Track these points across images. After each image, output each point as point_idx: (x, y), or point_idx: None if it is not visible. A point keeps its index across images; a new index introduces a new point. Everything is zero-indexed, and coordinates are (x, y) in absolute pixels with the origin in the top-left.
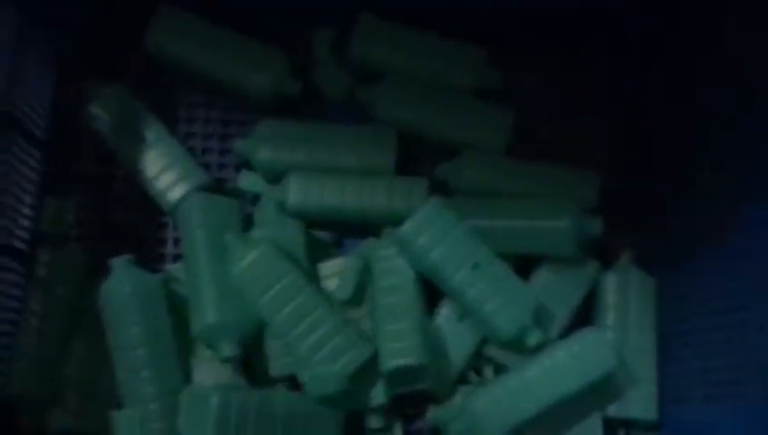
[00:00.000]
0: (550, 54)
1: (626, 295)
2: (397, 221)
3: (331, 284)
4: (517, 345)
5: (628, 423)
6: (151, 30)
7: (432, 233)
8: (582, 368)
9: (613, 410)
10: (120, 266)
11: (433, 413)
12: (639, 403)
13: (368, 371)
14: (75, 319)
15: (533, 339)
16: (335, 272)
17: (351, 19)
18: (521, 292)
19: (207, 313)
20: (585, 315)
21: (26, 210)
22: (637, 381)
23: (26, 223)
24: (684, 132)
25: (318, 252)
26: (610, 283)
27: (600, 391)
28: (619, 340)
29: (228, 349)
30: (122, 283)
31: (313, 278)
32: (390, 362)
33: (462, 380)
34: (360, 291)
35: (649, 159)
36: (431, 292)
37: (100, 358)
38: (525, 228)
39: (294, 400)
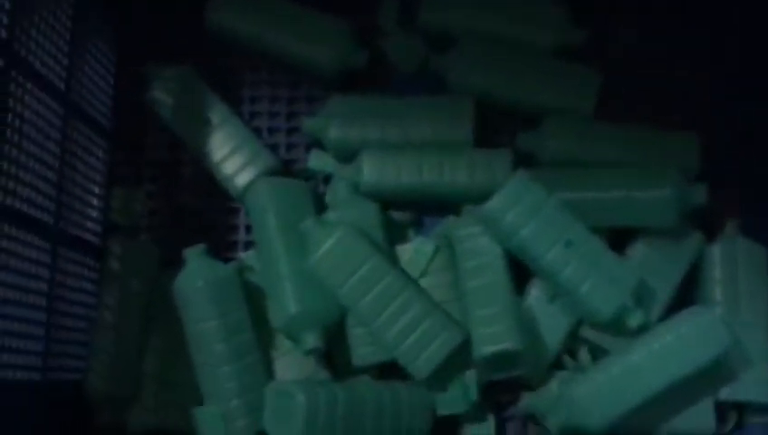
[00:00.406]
0: (641, 7)
1: (734, 268)
2: (478, 197)
3: (409, 267)
4: (617, 327)
5: (741, 406)
6: (210, 6)
7: (521, 209)
8: (694, 351)
9: (725, 394)
10: (193, 258)
11: (527, 400)
12: (754, 385)
13: (459, 357)
14: (151, 312)
15: (635, 320)
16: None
17: None
18: (619, 269)
19: (288, 303)
20: (687, 292)
21: (95, 202)
22: (750, 361)
23: (96, 215)
24: None
25: (394, 234)
26: (716, 255)
27: (712, 373)
28: (728, 317)
29: (312, 340)
30: (195, 276)
31: (395, 261)
32: (486, 349)
33: (556, 364)
34: (437, 273)
35: (757, 120)
36: (517, 271)
37: (179, 352)
38: (622, 200)
39: (382, 391)
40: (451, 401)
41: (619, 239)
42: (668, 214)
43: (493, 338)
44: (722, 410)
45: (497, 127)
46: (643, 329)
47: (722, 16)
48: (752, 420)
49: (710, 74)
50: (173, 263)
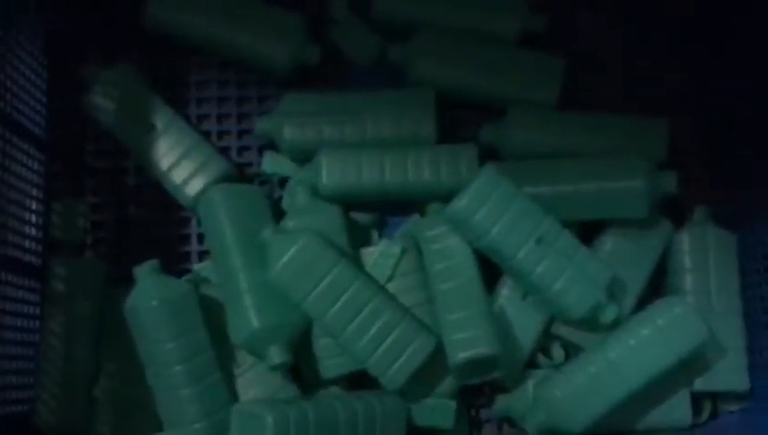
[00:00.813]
0: None
1: (704, 256)
2: (444, 195)
3: (374, 271)
4: (591, 323)
5: (715, 395)
6: (149, 1)
7: (490, 207)
8: (670, 344)
9: (700, 384)
10: (145, 276)
11: (503, 402)
12: (728, 374)
13: (432, 364)
14: (101, 335)
15: (609, 315)
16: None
17: None
18: (592, 265)
19: (250, 317)
20: (657, 280)
21: (33, 218)
22: (724, 350)
23: (35, 233)
24: None
25: (358, 237)
26: (685, 243)
27: (686, 364)
28: (700, 306)
29: (278, 355)
30: (149, 295)
31: (360, 267)
32: (461, 355)
33: (530, 363)
34: (404, 276)
35: (724, 104)
36: (485, 269)
37: (134, 376)
38: (592, 192)
39: (354, 404)
40: (430, 416)
41: (587, 231)
42: (640, 205)
43: (467, 343)
44: (697, 400)
45: (458, 120)
46: (616, 323)
47: (688, 2)
48: (726, 409)
49: (679, 61)
50: (122, 279)
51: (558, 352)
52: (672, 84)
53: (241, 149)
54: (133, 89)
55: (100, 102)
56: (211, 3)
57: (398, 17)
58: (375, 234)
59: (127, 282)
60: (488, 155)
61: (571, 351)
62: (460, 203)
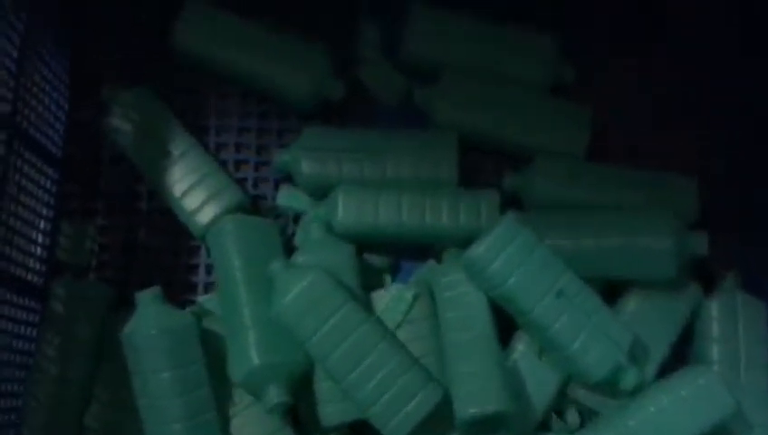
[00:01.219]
0: (634, 41)
1: (733, 326)
2: (462, 241)
3: (385, 316)
4: (609, 387)
5: None
6: (176, 27)
7: (509, 256)
8: (695, 415)
9: None
10: (146, 303)
11: None
12: None
13: (438, 417)
14: (97, 362)
15: (630, 381)
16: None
17: (401, 9)
18: (614, 325)
19: (251, 354)
20: (682, 347)
21: (40, 238)
22: (750, 428)
23: (40, 252)
24: None
25: (370, 279)
26: (714, 310)
27: None
28: (728, 378)
29: (276, 395)
30: (148, 323)
31: (369, 310)
32: (469, 410)
33: (542, 425)
34: (415, 323)
35: (758, 164)
36: (500, 321)
37: (127, 406)
38: (618, 249)
39: None
40: None
41: (610, 290)
42: (668, 265)
43: (477, 398)
44: None
45: (476, 165)
46: (637, 390)
47: (720, 56)
48: None
49: (709, 117)
50: (125, 304)
51: (573, 416)
52: (704, 141)
53: (257, 181)
54: (152, 111)
55: (118, 124)
56: (237, 31)
57: (427, 60)
58: (388, 278)
59: (129, 307)
60: (510, 203)
61: (587, 417)
62: (478, 250)
